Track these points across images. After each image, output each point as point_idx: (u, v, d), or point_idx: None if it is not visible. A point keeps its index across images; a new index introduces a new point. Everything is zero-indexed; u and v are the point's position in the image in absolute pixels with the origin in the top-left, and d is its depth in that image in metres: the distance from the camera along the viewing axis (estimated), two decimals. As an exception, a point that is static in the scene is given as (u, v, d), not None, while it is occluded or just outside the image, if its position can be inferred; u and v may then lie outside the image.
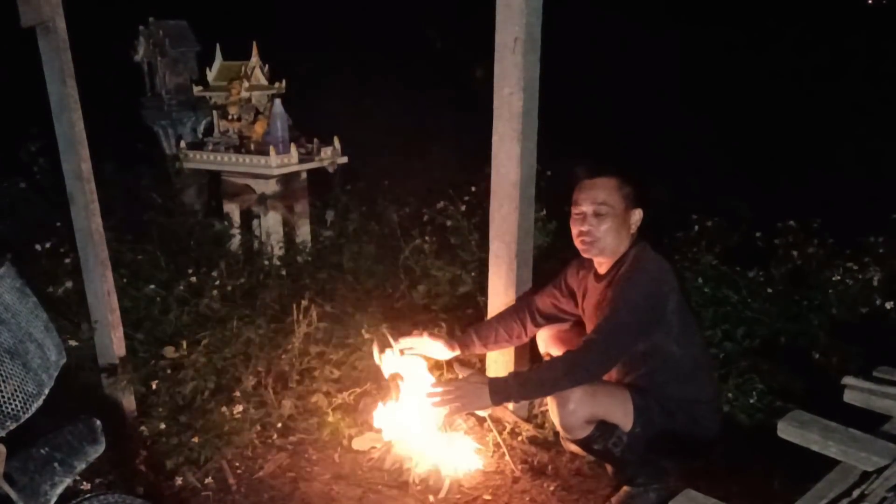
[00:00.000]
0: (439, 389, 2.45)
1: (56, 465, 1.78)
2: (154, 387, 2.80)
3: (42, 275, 3.11)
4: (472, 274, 3.75)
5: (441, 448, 2.74)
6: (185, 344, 2.87)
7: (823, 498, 1.88)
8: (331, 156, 4.35)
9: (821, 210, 3.80)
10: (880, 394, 2.29)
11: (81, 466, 1.87)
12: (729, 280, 3.50)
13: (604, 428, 2.41)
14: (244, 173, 4.25)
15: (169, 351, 2.88)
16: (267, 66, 4.37)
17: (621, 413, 2.41)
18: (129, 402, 2.82)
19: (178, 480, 2.63)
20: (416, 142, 6.51)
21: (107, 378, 2.80)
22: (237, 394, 2.87)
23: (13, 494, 1.65)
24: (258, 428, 2.92)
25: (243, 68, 4.28)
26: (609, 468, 2.65)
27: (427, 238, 3.97)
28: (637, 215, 2.48)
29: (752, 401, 2.95)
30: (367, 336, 3.07)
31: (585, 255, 2.56)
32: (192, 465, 2.67)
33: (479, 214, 3.87)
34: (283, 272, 4.06)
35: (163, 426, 2.68)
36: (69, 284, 3.07)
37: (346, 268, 4.05)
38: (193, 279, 3.34)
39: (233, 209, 4.44)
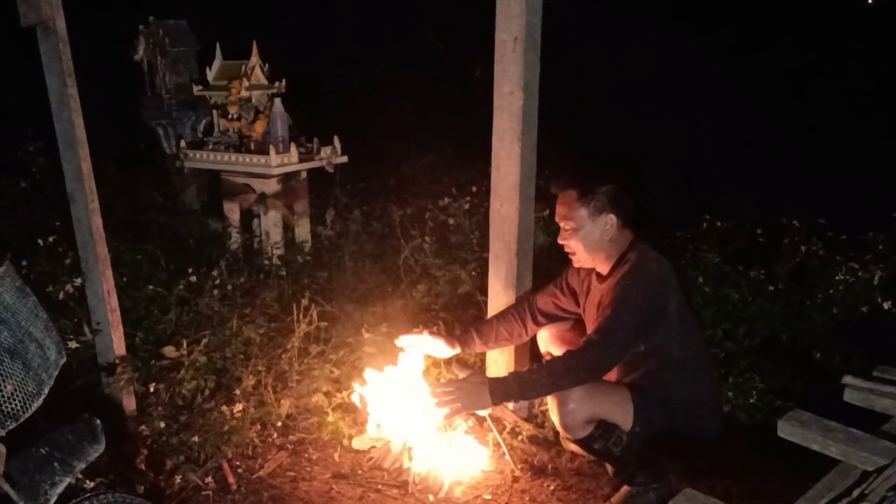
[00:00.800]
0: (439, 391, 2.45)
1: (56, 464, 1.78)
2: (154, 386, 2.80)
3: (42, 274, 3.11)
4: (473, 273, 3.75)
5: (441, 448, 2.74)
6: (184, 343, 2.87)
7: (823, 497, 1.88)
8: (329, 155, 4.35)
9: (822, 209, 3.80)
10: (880, 393, 2.29)
11: (81, 466, 1.87)
12: (730, 279, 3.50)
13: (604, 428, 2.41)
14: (244, 173, 4.25)
15: (169, 350, 2.89)
16: (267, 65, 4.37)
17: (621, 412, 2.41)
18: (129, 402, 2.82)
19: (178, 480, 2.63)
20: (416, 142, 6.51)
21: (107, 377, 2.80)
22: (237, 393, 2.87)
23: (13, 494, 1.65)
24: (258, 427, 2.93)
25: (243, 67, 4.28)
26: (609, 468, 2.65)
27: (427, 238, 3.97)
28: (609, 221, 2.47)
29: (752, 400, 2.95)
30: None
31: (576, 265, 2.61)
32: (192, 464, 2.67)
33: (480, 213, 3.87)
34: (283, 271, 4.06)
35: (163, 425, 2.68)
36: (69, 284, 3.07)
37: (346, 267, 4.05)
38: (193, 278, 3.34)
39: (233, 208, 4.44)
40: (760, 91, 8.56)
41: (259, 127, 4.27)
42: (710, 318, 3.30)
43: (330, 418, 3.00)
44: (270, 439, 2.95)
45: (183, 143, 4.50)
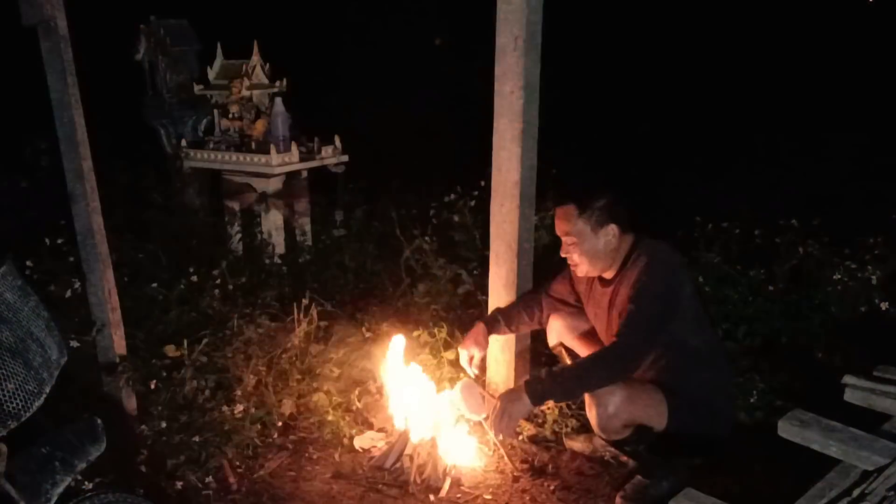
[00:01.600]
0: (495, 422, 2.46)
1: (57, 463, 1.78)
2: (155, 386, 2.80)
3: (43, 274, 3.11)
4: (474, 273, 3.76)
5: (442, 447, 2.74)
6: (185, 343, 2.87)
7: (823, 497, 1.88)
8: (332, 154, 4.35)
9: (821, 209, 3.80)
10: (881, 393, 2.29)
11: (82, 465, 1.87)
12: (730, 279, 3.50)
13: (640, 431, 2.45)
14: (245, 172, 4.25)
15: (170, 350, 2.89)
16: (268, 64, 4.37)
17: (656, 416, 2.45)
18: (129, 402, 2.82)
19: (179, 480, 2.63)
20: (417, 141, 6.51)
21: (107, 377, 2.80)
22: (238, 393, 2.87)
23: (14, 493, 1.65)
24: (259, 427, 2.93)
25: (244, 67, 4.28)
26: (629, 462, 2.66)
27: (428, 237, 3.97)
28: (610, 232, 2.50)
29: (752, 400, 2.96)
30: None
31: (579, 275, 2.63)
32: (193, 464, 2.67)
33: (482, 212, 3.87)
34: (284, 271, 4.06)
35: (163, 425, 2.68)
36: (70, 283, 3.07)
37: (347, 266, 4.05)
38: (194, 278, 3.34)
39: (234, 208, 4.44)
40: (760, 90, 8.56)
41: (260, 126, 4.27)
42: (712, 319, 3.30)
43: (331, 418, 3.00)
44: (271, 439, 2.95)
45: (184, 143, 4.50)
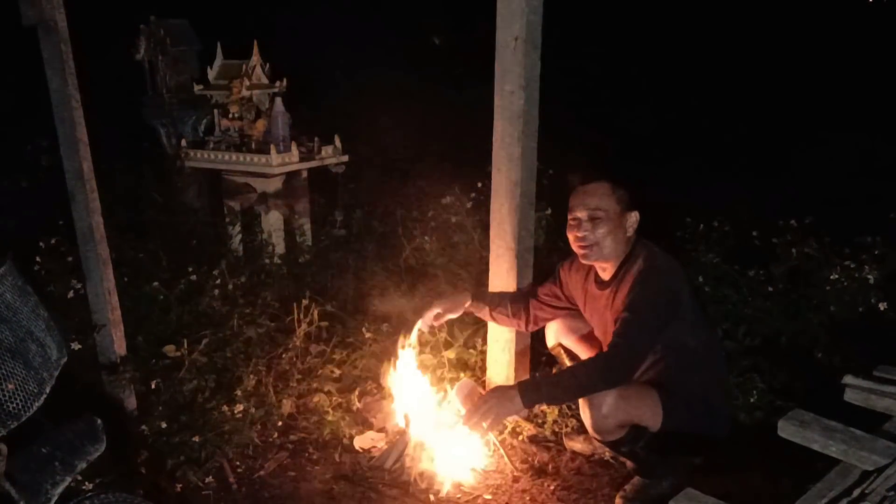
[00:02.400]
0: (472, 412, 2.43)
1: (57, 463, 1.78)
2: (155, 386, 2.80)
3: (44, 274, 3.11)
4: (474, 273, 3.76)
5: (441, 448, 2.74)
6: (185, 343, 2.87)
7: (824, 497, 1.88)
8: (332, 154, 4.35)
9: (820, 209, 3.80)
10: (881, 393, 2.29)
11: (82, 465, 1.86)
12: (729, 279, 3.50)
13: (635, 432, 2.44)
14: (245, 172, 4.25)
15: (170, 350, 2.89)
16: (268, 64, 4.37)
17: (651, 416, 2.43)
18: (129, 401, 2.82)
19: (179, 480, 2.63)
20: (417, 141, 6.51)
21: (108, 377, 2.80)
22: (238, 393, 2.87)
23: (14, 493, 1.65)
24: (259, 427, 2.93)
25: (244, 67, 4.28)
26: (628, 462, 2.66)
27: (428, 237, 3.97)
28: (633, 218, 2.49)
29: (752, 400, 2.96)
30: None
31: (585, 261, 2.57)
32: (193, 464, 2.68)
33: (483, 211, 3.87)
34: (284, 271, 4.06)
35: (163, 425, 2.68)
36: (70, 283, 3.06)
37: (347, 266, 4.05)
38: (194, 278, 3.34)
39: (234, 208, 4.44)
40: (759, 90, 8.56)
41: (260, 126, 4.27)
42: (710, 317, 3.30)
43: (330, 418, 3.00)
44: (271, 439, 2.96)
45: (184, 143, 4.50)
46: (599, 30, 9.06)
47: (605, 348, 2.45)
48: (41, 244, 3.17)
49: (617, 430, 2.41)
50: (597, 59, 8.81)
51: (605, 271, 2.56)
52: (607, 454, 2.81)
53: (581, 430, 2.92)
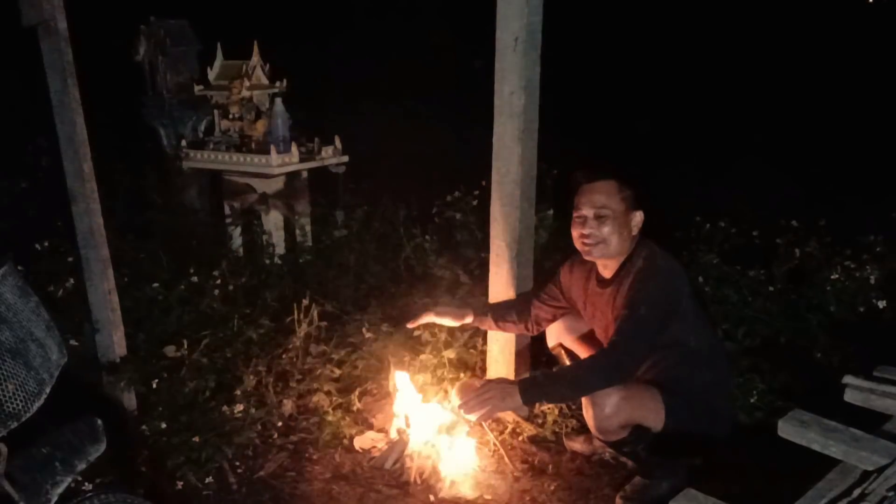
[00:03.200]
0: (469, 397, 2.43)
1: (57, 464, 1.78)
2: (155, 386, 2.80)
3: (44, 274, 3.12)
4: (475, 273, 3.76)
5: (442, 448, 2.74)
6: (186, 343, 2.87)
7: (824, 497, 1.88)
8: (332, 155, 4.36)
9: (820, 209, 3.81)
10: (880, 393, 2.29)
11: (82, 466, 1.86)
12: (729, 279, 3.50)
13: (637, 432, 2.44)
14: (245, 172, 4.25)
15: (170, 350, 2.89)
16: (268, 65, 4.37)
17: (654, 416, 2.44)
18: (129, 402, 2.82)
19: (179, 480, 2.63)
20: (418, 141, 6.51)
21: (108, 377, 2.80)
22: (238, 393, 2.87)
23: (14, 493, 1.65)
24: (259, 427, 2.93)
25: (244, 67, 4.28)
26: (629, 462, 2.66)
27: (429, 237, 3.97)
28: (638, 217, 2.50)
29: (752, 400, 2.96)
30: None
31: (588, 258, 2.57)
32: (193, 464, 2.67)
33: (484, 212, 3.87)
34: (284, 271, 4.06)
35: (164, 426, 2.68)
36: (71, 284, 3.07)
37: (347, 267, 4.05)
38: (194, 278, 3.34)
39: (234, 208, 4.44)
40: (758, 90, 8.56)
41: (260, 127, 4.27)
42: (711, 318, 3.30)
43: (331, 418, 3.00)
44: (271, 439, 2.96)
45: (184, 143, 4.50)
46: (600, 30, 9.06)
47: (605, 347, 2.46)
48: (41, 245, 3.18)
49: (620, 430, 2.42)
50: (597, 58, 8.81)
51: (607, 269, 2.56)
52: (607, 454, 2.81)
53: (581, 430, 2.93)
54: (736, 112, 7.99)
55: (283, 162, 4.11)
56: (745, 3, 9.94)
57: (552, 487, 2.70)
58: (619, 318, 2.40)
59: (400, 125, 6.77)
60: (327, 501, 2.65)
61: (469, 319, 2.90)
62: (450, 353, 3.20)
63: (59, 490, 1.77)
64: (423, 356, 3.18)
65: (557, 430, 2.97)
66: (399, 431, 2.86)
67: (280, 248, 4.33)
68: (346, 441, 2.95)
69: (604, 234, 2.46)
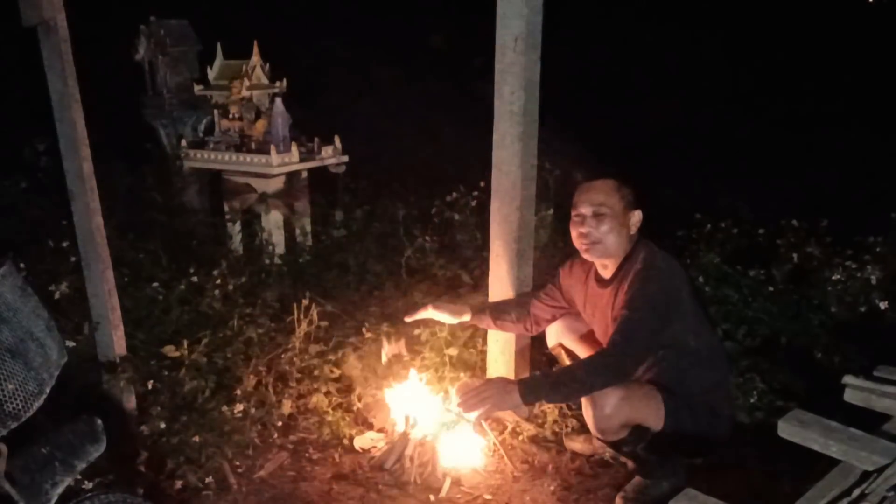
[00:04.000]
0: (468, 394, 2.43)
1: (57, 464, 1.79)
2: (155, 386, 2.80)
3: (43, 274, 3.11)
4: (475, 273, 3.76)
5: (442, 448, 2.74)
6: (185, 343, 2.87)
7: (823, 497, 1.88)
8: (332, 154, 4.36)
9: (820, 209, 3.80)
10: (880, 393, 2.29)
11: (82, 465, 1.87)
12: (730, 279, 3.50)
13: (637, 432, 2.44)
14: (245, 172, 4.26)
15: (170, 350, 2.89)
16: (268, 65, 4.37)
17: (654, 416, 2.43)
18: (129, 402, 2.82)
19: (179, 480, 2.63)
20: (418, 141, 6.52)
21: (107, 377, 2.80)
22: (238, 393, 2.87)
23: (14, 493, 1.65)
24: (259, 427, 2.93)
25: (244, 67, 4.29)
26: (629, 462, 2.66)
27: (429, 237, 3.97)
28: (636, 217, 2.50)
29: (752, 400, 2.96)
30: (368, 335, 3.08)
31: (587, 257, 2.57)
32: (193, 464, 2.67)
33: (484, 212, 3.88)
34: (284, 271, 4.06)
35: (163, 425, 2.68)
36: (70, 284, 3.07)
37: (347, 266, 4.06)
38: (194, 278, 3.34)
39: (234, 208, 4.44)
40: (759, 89, 8.56)
41: (260, 126, 4.27)
42: (711, 318, 3.30)
43: (330, 418, 3.00)
44: (271, 439, 2.96)
45: (184, 143, 4.50)
46: (601, 29, 9.06)
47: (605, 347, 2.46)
48: (41, 244, 3.18)
49: (620, 430, 2.41)
50: (598, 58, 8.81)
51: (607, 269, 2.56)
52: (607, 454, 2.81)
53: (581, 430, 2.93)
54: (736, 112, 7.99)
55: (282, 162, 4.11)
56: (747, 1, 9.94)
57: (552, 487, 2.70)
58: (618, 318, 2.40)
59: (400, 125, 6.77)
60: (327, 501, 2.65)
61: (467, 317, 2.90)
62: (451, 351, 3.20)
63: (59, 490, 1.77)
64: (423, 354, 3.18)
65: (557, 430, 2.97)
66: (399, 432, 2.86)
67: (280, 248, 4.33)
68: (346, 441, 2.95)
69: (602, 232, 2.47)
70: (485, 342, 3.22)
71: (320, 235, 4.44)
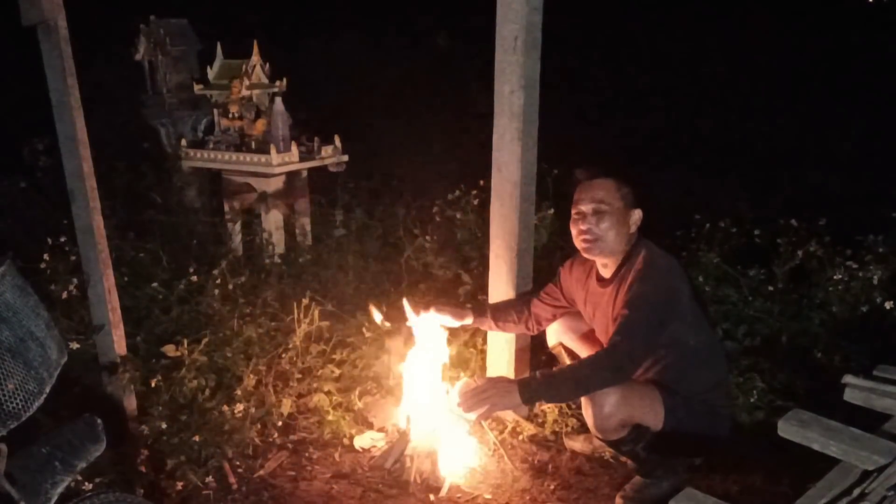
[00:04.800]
0: (468, 395, 2.43)
1: (57, 463, 1.78)
2: (155, 385, 2.80)
3: (43, 273, 3.11)
4: (474, 272, 3.76)
5: (442, 448, 2.74)
6: (185, 343, 2.87)
7: (824, 497, 1.88)
8: (332, 154, 4.35)
9: (821, 208, 3.80)
10: (881, 393, 2.28)
11: (82, 465, 1.86)
12: (730, 278, 3.50)
13: (637, 431, 2.44)
14: (245, 172, 4.25)
15: (170, 350, 2.88)
16: (267, 64, 4.37)
17: (653, 415, 2.44)
18: (129, 401, 2.82)
19: (179, 480, 2.63)
20: (418, 141, 6.51)
21: (108, 377, 2.80)
22: (238, 393, 2.87)
23: (14, 493, 1.65)
24: (259, 427, 2.93)
25: (244, 67, 4.28)
26: (628, 462, 2.66)
27: (429, 237, 3.97)
28: (636, 215, 2.50)
29: (752, 400, 2.95)
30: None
31: (587, 255, 2.57)
32: (193, 464, 2.67)
33: (485, 211, 3.88)
34: (284, 271, 4.06)
35: (163, 425, 2.68)
36: (70, 283, 3.07)
37: (347, 266, 4.05)
38: (194, 278, 3.34)
39: (233, 207, 4.44)
40: (760, 89, 8.56)
41: (260, 126, 4.27)
42: (711, 318, 3.30)
43: (331, 418, 3.00)
44: (271, 439, 2.96)
45: (184, 143, 4.50)
46: (601, 29, 9.06)
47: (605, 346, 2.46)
48: (41, 243, 3.18)
49: (619, 429, 2.41)
50: (599, 58, 8.81)
51: (607, 268, 2.56)
52: (607, 454, 2.82)
53: (581, 429, 2.93)
54: (737, 111, 7.99)
55: (283, 161, 4.11)
56: (748, 2, 9.94)
57: (552, 487, 2.70)
58: (618, 317, 2.40)
59: (400, 124, 6.77)
60: (327, 501, 2.65)
61: (469, 320, 2.90)
62: (451, 350, 3.20)
63: (59, 490, 1.77)
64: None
65: (557, 429, 2.97)
66: (399, 432, 2.86)
67: (280, 248, 4.33)
68: (346, 440, 2.96)
69: (602, 230, 2.47)
70: (485, 342, 3.22)
71: (320, 235, 4.44)
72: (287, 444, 2.96)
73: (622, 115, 7.91)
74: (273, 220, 4.31)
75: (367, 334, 3.27)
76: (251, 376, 2.94)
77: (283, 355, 3.10)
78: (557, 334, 2.90)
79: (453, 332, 3.23)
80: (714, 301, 3.39)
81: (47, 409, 1.77)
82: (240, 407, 2.82)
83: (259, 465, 2.82)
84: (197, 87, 4.42)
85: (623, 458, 2.72)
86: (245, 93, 4.24)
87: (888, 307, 3.27)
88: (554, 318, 2.88)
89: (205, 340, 2.94)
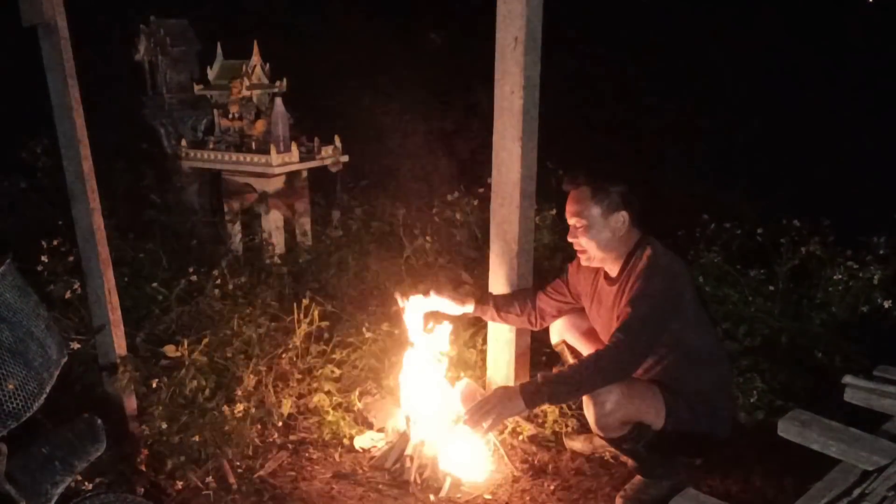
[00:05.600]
0: (472, 411, 2.42)
1: (57, 463, 1.79)
2: (155, 386, 2.80)
3: (44, 274, 3.11)
4: (475, 272, 3.76)
5: (442, 448, 2.74)
6: (185, 343, 2.87)
7: (824, 497, 1.88)
8: (332, 154, 4.36)
9: (822, 208, 3.80)
10: (881, 393, 2.29)
11: (82, 465, 1.87)
12: (730, 278, 3.50)
13: (638, 429, 2.44)
14: (245, 172, 4.25)
15: (170, 350, 2.88)
16: (268, 64, 4.37)
17: (654, 413, 2.44)
18: (129, 402, 2.82)
19: (179, 480, 2.63)
20: (418, 141, 6.51)
21: (108, 377, 2.80)
22: (238, 393, 2.87)
23: (14, 493, 1.66)
24: (259, 427, 2.93)
25: (244, 67, 4.29)
26: (629, 461, 2.66)
27: (429, 237, 3.97)
28: (619, 218, 2.49)
29: (752, 400, 2.95)
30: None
31: (585, 265, 2.62)
32: (193, 464, 2.67)
33: (484, 212, 3.88)
34: (284, 271, 4.06)
35: (163, 425, 2.68)
36: (70, 283, 3.07)
37: (347, 266, 4.06)
38: (194, 278, 3.34)
39: (233, 208, 4.44)
40: (761, 88, 8.56)
41: (260, 126, 4.27)
42: (712, 317, 3.30)
43: (331, 418, 3.00)
44: (271, 439, 2.96)
45: (184, 143, 4.50)
46: (601, 29, 9.05)
47: None
48: (41, 244, 3.18)
49: (620, 428, 2.41)
50: (599, 58, 8.80)
51: (612, 269, 2.58)
52: (608, 454, 2.82)
53: (581, 429, 2.93)
54: (738, 111, 7.98)
55: (283, 161, 4.11)
56: (748, 3, 9.93)
57: (552, 487, 2.70)
58: (621, 315, 2.41)
59: (400, 124, 6.76)
60: (327, 501, 2.65)
61: (470, 307, 2.88)
62: (451, 351, 3.20)
63: (59, 490, 1.77)
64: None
65: (557, 429, 2.97)
66: (399, 432, 2.86)
67: (280, 248, 4.33)
68: (346, 441, 2.95)
69: (584, 243, 2.53)
70: (485, 342, 3.22)
71: (320, 235, 4.44)
72: (287, 444, 2.95)
73: (622, 114, 7.91)
74: (273, 220, 4.31)
75: (367, 335, 3.27)
76: (251, 376, 2.94)
77: (283, 355, 3.10)
78: (560, 332, 2.90)
79: (454, 332, 3.23)
80: (714, 301, 3.39)
81: (47, 409, 1.77)
82: (240, 407, 2.82)
83: (259, 465, 2.82)
84: (197, 88, 4.43)
85: (623, 459, 2.72)
86: (245, 93, 4.24)
87: (888, 307, 3.27)
88: (559, 313, 2.88)
89: (205, 340, 2.94)
